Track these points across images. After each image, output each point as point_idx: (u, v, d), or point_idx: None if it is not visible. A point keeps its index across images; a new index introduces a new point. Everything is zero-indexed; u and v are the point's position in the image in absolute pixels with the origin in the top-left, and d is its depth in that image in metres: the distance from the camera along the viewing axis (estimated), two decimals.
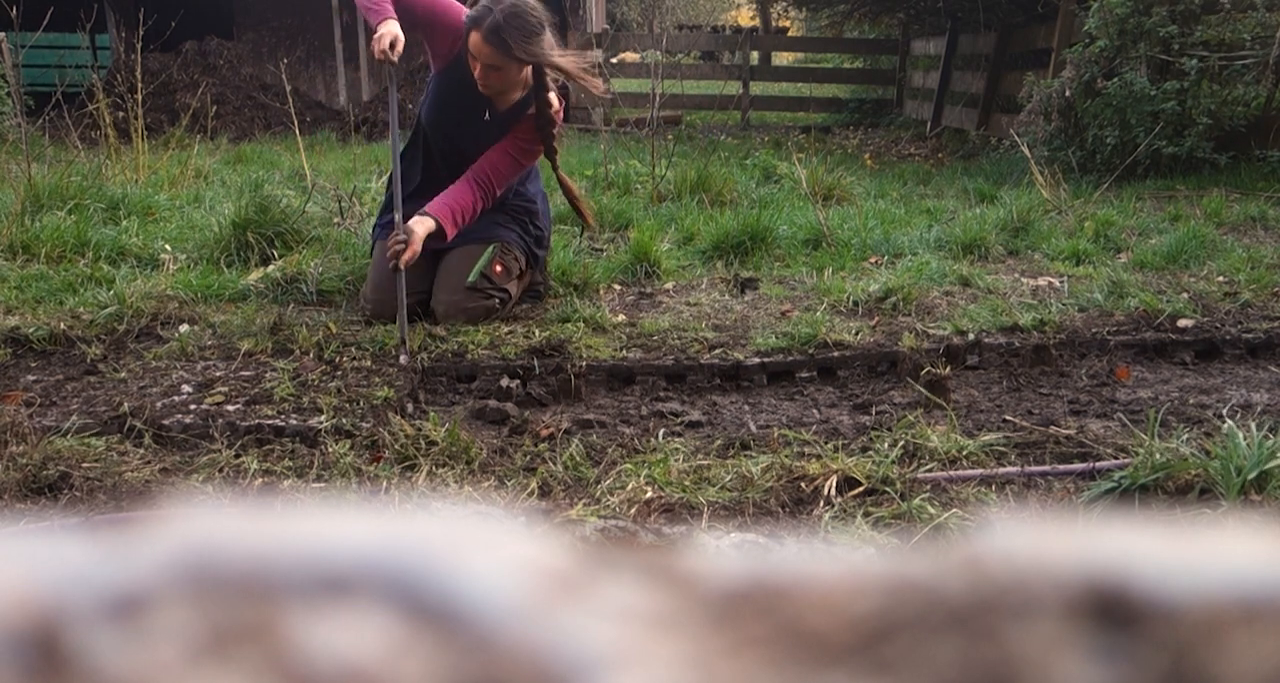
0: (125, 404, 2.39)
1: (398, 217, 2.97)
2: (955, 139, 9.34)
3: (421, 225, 2.94)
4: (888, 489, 2.00)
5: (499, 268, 3.15)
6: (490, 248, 3.17)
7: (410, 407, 2.53)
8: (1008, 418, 2.46)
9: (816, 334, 2.88)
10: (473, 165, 3.12)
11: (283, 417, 2.37)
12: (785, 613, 0.21)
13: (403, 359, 2.72)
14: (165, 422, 2.33)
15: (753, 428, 2.45)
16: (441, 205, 3.02)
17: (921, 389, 2.56)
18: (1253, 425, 2.01)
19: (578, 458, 2.22)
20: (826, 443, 2.26)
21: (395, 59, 2.93)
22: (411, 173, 3.29)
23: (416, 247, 2.89)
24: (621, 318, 3.15)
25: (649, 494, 1.98)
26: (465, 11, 3.13)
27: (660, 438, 2.35)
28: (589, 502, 2.01)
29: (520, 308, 3.32)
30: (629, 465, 2.15)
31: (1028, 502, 2.01)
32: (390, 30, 2.93)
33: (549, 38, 3.01)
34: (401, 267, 2.87)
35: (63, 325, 2.94)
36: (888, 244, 4.16)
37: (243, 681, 0.19)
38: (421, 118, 3.32)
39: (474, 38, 2.95)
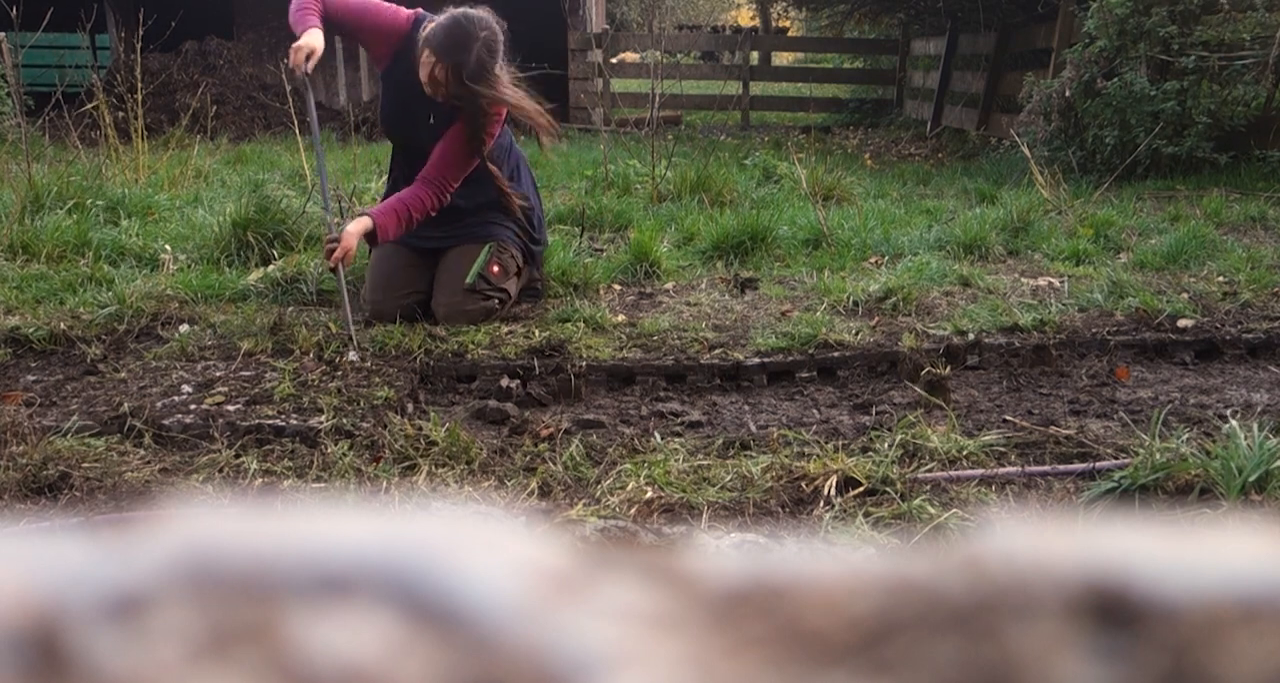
0: (125, 404, 2.39)
1: (330, 220, 3.04)
2: (955, 139, 9.34)
3: (356, 225, 2.97)
4: (888, 489, 2.00)
5: (496, 268, 3.16)
6: (486, 248, 3.18)
7: (410, 407, 2.54)
8: (1008, 418, 2.46)
9: (816, 334, 2.88)
10: (428, 161, 3.12)
11: (283, 417, 2.37)
12: (785, 613, 0.21)
13: (351, 356, 2.74)
14: (165, 422, 2.33)
15: (753, 428, 2.45)
16: (384, 205, 3.07)
17: (921, 391, 2.56)
18: (1254, 426, 2.01)
19: (578, 458, 2.22)
20: (826, 443, 2.26)
21: (310, 70, 2.99)
22: (396, 174, 3.34)
23: (349, 244, 2.90)
24: (621, 318, 3.15)
25: (649, 494, 1.98)
26: (394, 10, 3.13)
27: (660, 438, 2.35)
28: (589, 502, 2.01)
29: (520, 308, 3.32)
30: (629, 465, 2.15)
31: (1028, 502, 2.01)
32: (309, 42, 2.97)
33: (502, 64, 3.03)
34: (333, 265, 2.91)
35: (63, 325, 2.94)
36: (888, 244, 4.16)
37: (243, 681, 0.19)
38: (379, 119, 3.38)
39: (429, 59, 2.96)
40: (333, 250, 2.89)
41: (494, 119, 3.11)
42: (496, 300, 3.15)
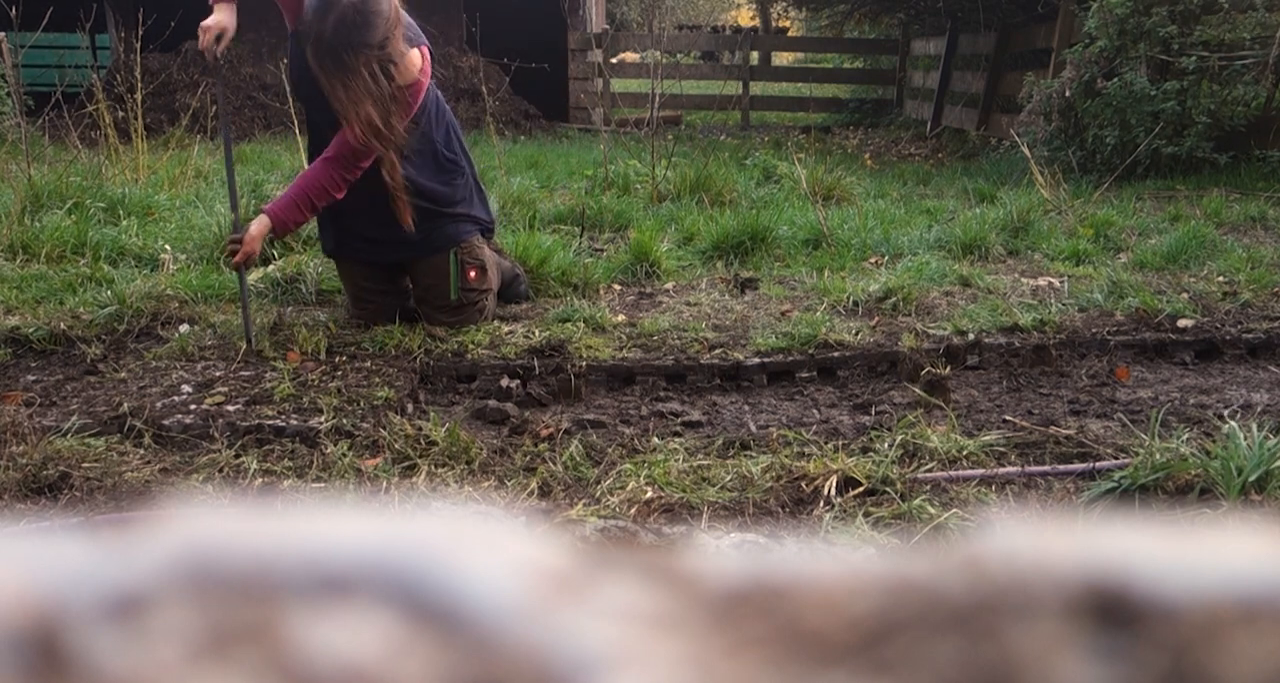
0: (125, 404, 2.39)
1: (234, 216, 2.93)
2: (955, 139, 9.34)
3: (258, 225, 2.79)
4: (888, 489, 2.00)
5: (472, 274, 3.04)
6: (452, 257, 3.02)
7: (410, 407, 2.54)
8: (1008, 418, 2.46)
9: (816, 334, 2.87)
10: (337, 135, 2.78)
11: (283, 417, 2.37)
12: (785, 613, 0.21)
13: (244, 349, 2.76)
14: (165, 422, 2.33)
15: (753, 428, 2.45)
16: (282, 197, 2.84)
17: (920, 392, 2.56)
18: (1253, 426, 2.01)
19: (578, 458, 2.22)
20: (826, 443, 2.26)
21: (219, 53, 2.77)
22: (312, 139, 3.07)
23: (251, 248, 2.79)
24: (621, 318, 3.15)
25: (649, 494, 1.98)
26: None
27: (660, 438, 2.35)
28: (589, 502, 2.01)
29: (520, 308, 3.32)
30: (629, 465, 2.15)
31: (1028, 502, 2.01)
32: (216, 20, 2.73)
33: (377, 47, 2.62)
34: (234, 267, 2.82)
35: (63, 325, 2.94)
36: (888, 244, 4.16)
37: (243, 681, 0.19)
38: (288, 81, 3.07)
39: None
40: (235, 251, 2.80)
41: (404, 100, 2.76)
42: (483, 299, 3.08)
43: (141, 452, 2.23)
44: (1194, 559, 0.21)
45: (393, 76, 2.71)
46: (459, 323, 3.03)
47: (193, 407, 2.42)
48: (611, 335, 2.96)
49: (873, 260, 3.98)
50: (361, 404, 2.44)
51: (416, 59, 2.80)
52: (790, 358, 2.80)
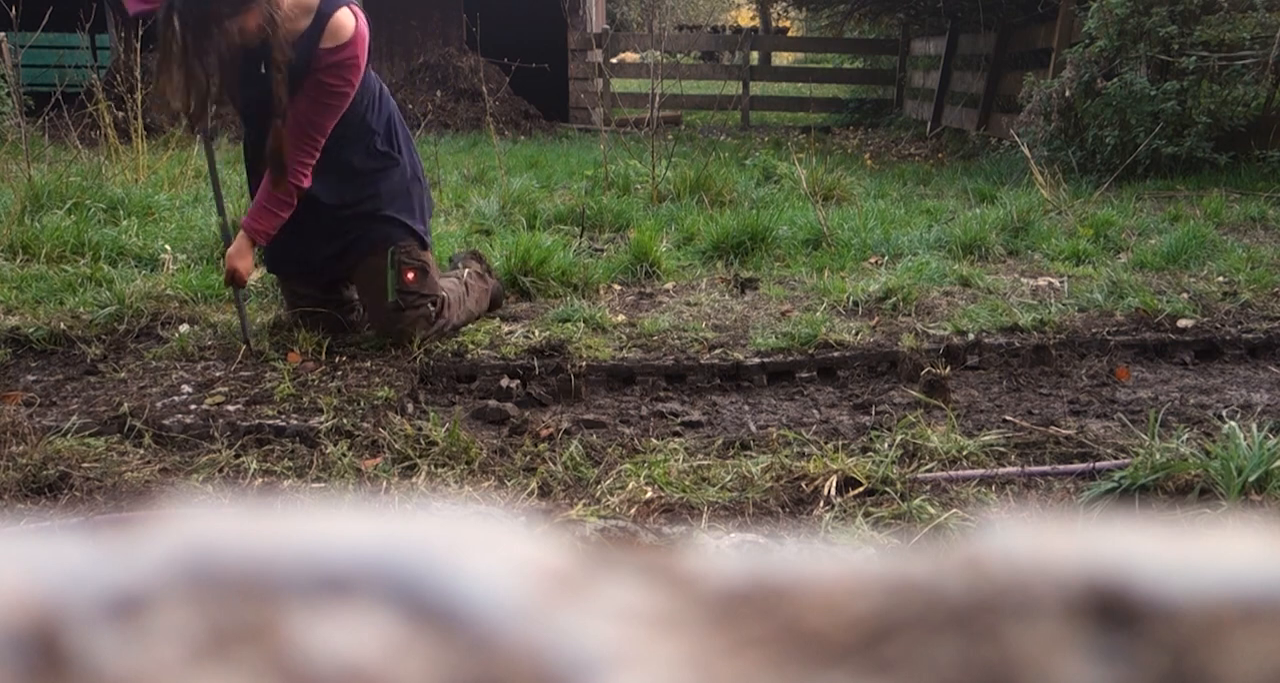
0: (125, 404, 2.39)
1: (216, 219, 2.88)
2: (955, 139, 9.34)
3: (237, 241, 2.75)
4: (888, 489, 2.00)
5: (410, 275, 2.83)
6: (390, 260, 2.83)
7: (410, 407, 2.54)
8: (1008, 418, 2.46)
9: (816, 334, 2.88)
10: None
11: (283, 417, 2.37)
12: (785, 613, 0.21)
13: (243, 349, 2.78)
14: (165, 422, 2.33)
15: (753, 428, 2.45)
16: (252, 207, 2.76)
17: (919, 393, 2.56)
18: (1253, 426, 2.01)
19: (578, 458, 2.22)
20: (826, 443, 2.26)
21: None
22: (250, 156, 2.90)
23: (233, 265, 2.74)
24: (621, 318, 3.15)
25: (649, 494, 1.98)
26: None
27: (660, 438, 2.35)
28: (589, 502, 2.01)
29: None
30: (629, 465, 2.15)
31: (1028, 502, 2.01)
32: None
33: (233, 15, 2.39)
34: (227, 285, 2.81)
35: (63, 325, 2.94)
36: (888, 244, 4.16)
37: (243, 681, 0.19)
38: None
39: None
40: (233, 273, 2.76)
41: (337, 70, 2.57)
42: (429, 304, 2.85)
43: (141, 452, 2.23)
44: (1194, 559, 0.21)
45: (274, 26, 2.43)
46: (402, 332, 2.82)
47: (193, 407, 2.42)
48: (611, 335, 2.96)
49: (873, 260, 3.98)
50: (361, 404, 2.44)
51: (346, 18, 2.58)
52: (790, 358, 2.80)
